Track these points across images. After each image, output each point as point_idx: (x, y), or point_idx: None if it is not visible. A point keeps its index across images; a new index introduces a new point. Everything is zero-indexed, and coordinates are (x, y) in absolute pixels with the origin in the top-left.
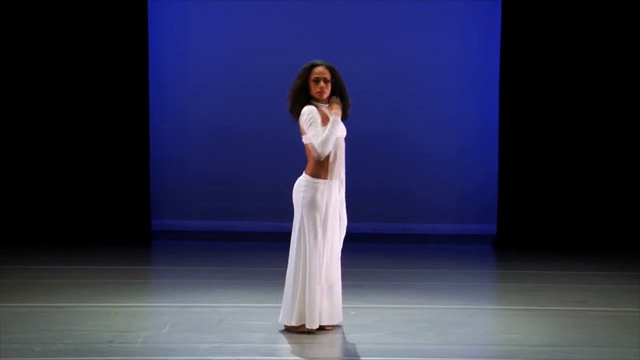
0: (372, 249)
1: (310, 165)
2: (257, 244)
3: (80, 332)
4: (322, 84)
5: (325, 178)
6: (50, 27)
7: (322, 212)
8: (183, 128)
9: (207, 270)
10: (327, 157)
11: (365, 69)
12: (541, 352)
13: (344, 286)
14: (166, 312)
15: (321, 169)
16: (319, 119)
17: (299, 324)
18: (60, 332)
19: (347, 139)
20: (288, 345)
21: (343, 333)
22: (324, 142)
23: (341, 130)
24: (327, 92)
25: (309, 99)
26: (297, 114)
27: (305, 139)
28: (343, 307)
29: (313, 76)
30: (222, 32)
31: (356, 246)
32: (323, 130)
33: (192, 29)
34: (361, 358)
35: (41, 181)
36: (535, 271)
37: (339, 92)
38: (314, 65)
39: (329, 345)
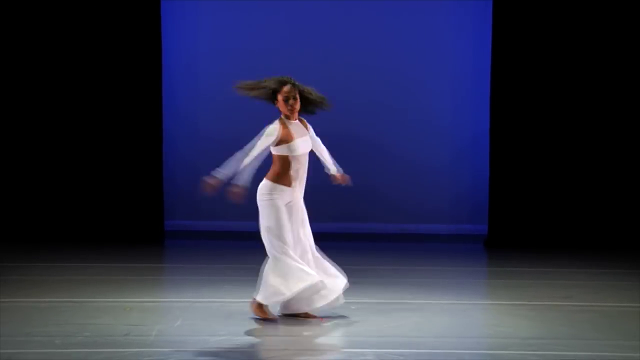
0: (372, 247)
1: (272, 172)
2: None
3: (98, 326)
4: (291, 101)
5: (287, 185)
6: (70, 40)
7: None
8: (194, 134)
9: (216, 268)
10: (290, 169)
11: (364, 79)
12: (529, 344)
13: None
14: (178, 307)
15: (284, 178)
16: (272, 138)
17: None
18: (79, 325)
19: (347, 145)
20: (291, 338)
21: (344, 326)
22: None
23: (304, 148)
24: (297, 108)
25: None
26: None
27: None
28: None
29: (283, 95)
30: (234, 41)
31: (356, 245)
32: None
33: (204, 38)
34: (362, 349)
35: (62, 185)
36: (523, 269)
37: (305, 100)
38: (284, 84)
39: (330, 338)
